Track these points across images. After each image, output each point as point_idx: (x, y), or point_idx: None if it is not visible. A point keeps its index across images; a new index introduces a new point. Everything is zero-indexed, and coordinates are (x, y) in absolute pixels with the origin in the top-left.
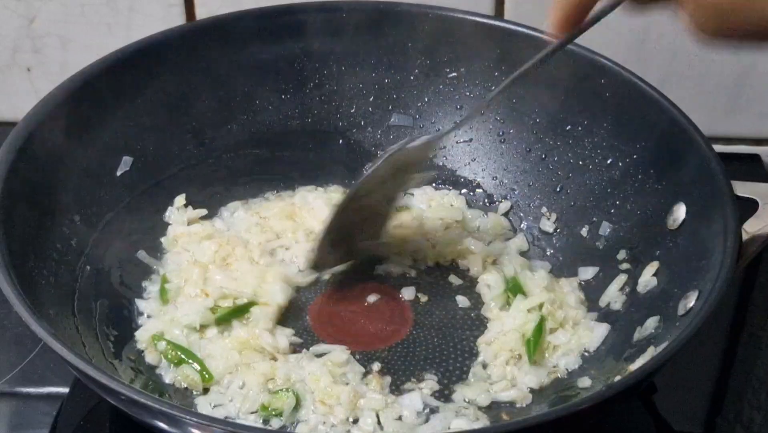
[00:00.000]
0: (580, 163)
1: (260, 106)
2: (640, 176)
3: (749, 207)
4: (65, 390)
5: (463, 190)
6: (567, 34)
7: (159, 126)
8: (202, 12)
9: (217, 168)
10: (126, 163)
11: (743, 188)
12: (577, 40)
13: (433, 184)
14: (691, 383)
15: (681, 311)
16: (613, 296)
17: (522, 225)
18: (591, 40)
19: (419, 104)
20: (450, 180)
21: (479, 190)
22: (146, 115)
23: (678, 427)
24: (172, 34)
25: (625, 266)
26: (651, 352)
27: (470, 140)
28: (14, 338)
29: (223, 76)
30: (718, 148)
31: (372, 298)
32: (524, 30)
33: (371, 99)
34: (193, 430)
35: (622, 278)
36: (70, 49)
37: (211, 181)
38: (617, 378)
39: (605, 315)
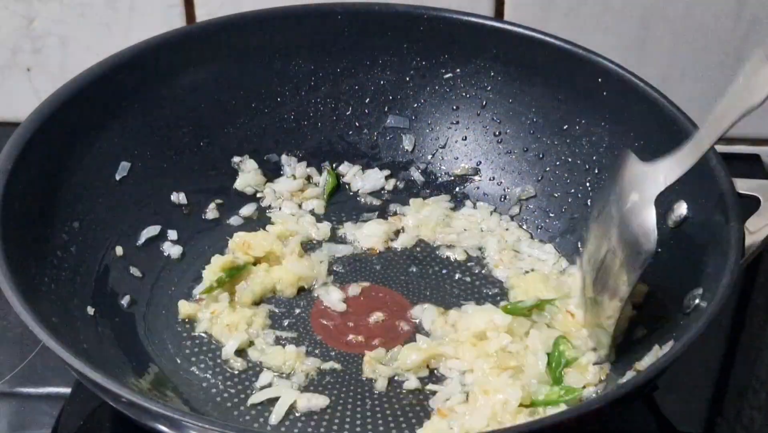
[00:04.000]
0: (578, 162)
1: (256, 109)
2: None
3: (751, 204)
4: (65, 390)
5: (459, 190)
6: None
7: (156, 131)
8: (202, 13)
9: (215, 172)
10: (124, 168)
11: (744, 185)
12: (576, 40)
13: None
14: (691, 383)
15: (685, 308)
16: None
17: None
18: (591, 40)
19: (415, 105)
20: (446, 181)
21: (476, 191)
22: (143, 120)
23: (678, 427)
24: (169, 38)
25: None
26: (656, 350)
27: (465, 138)
28: (14, 338)
29: (220, 80)
30: (719, 148)
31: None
32: (519, 30)
33: (367, 101)
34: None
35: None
36: (69, 49)
37: (210, 186)
38: (626, 378)
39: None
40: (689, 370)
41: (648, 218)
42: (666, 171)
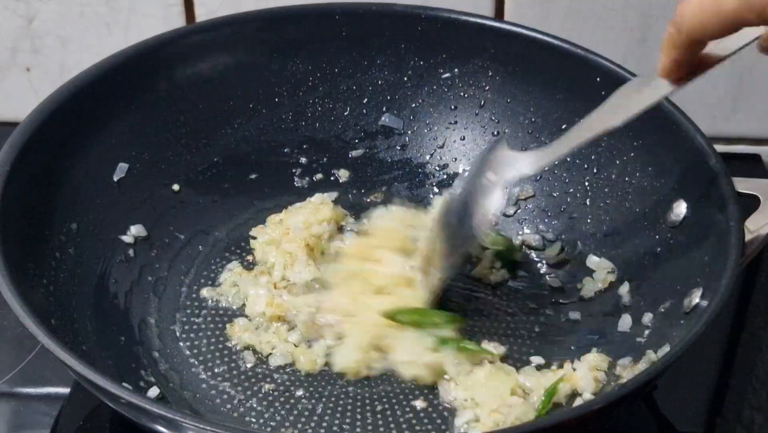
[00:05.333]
0: (577, 162)
1: (254, 109)
2: (638, 174)
3: (751, 204)
4: (65, 390)
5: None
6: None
7: (154, 132)
8: (201, 12)
9: (212, 173)
10: (122, 169)
11: (744, 185)
12: (576, 40)
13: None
14: (691, 383)
15: (685, 308)
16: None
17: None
18: (591, 39)
19: (413, 105)
20: (444, 181)
21: None
22: (141, 122)
23: (678, 427)
24: (166, 39)
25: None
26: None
27: (463, 138)
28: (14, 338)
29: (218, 81)
30: (719, 148)
31: None
32: (517, 30)
33: (365, 101)
34: None
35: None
36: (69, 49)
37: (207, 188)
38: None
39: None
40: (689, 370)
41: (492, 200)
42: (525, 164)
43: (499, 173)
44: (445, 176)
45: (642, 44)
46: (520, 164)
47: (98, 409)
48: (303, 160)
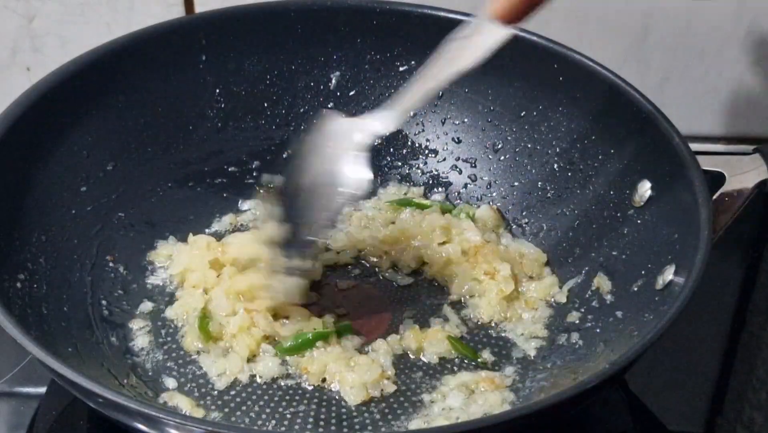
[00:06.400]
0: (538, 148)
1: (212, 111)
2: (600, 157)
3: (716, 181)
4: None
5: (421, 180)
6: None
7: (116, 139)
8: (202, 11)
9: (177, 179)
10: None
11: (709, 162)
12: (577, 41)
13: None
14: (691, 383)
15: (659, 285)
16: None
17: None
18: (591, 40)
19: (372, 98)
20: (405, 173)
21: (437, 180)
22: (102, 130)
23: (678, 427)
24: (120, 45)
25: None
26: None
27: (423, 130)
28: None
29: (175, 85)
30: (718, 148)
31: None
32: (469, 20)
33: (321, 99)
34: (172, 430)
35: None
36: (69, 48)
37: (189, 194)
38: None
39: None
40: (689, 370)
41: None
42: (364, 130)
43: (345, 142)
44: (405, 167)
45: (642, 44)
46: (371, 125)
47: (74, 405)
48: (260, 162)
